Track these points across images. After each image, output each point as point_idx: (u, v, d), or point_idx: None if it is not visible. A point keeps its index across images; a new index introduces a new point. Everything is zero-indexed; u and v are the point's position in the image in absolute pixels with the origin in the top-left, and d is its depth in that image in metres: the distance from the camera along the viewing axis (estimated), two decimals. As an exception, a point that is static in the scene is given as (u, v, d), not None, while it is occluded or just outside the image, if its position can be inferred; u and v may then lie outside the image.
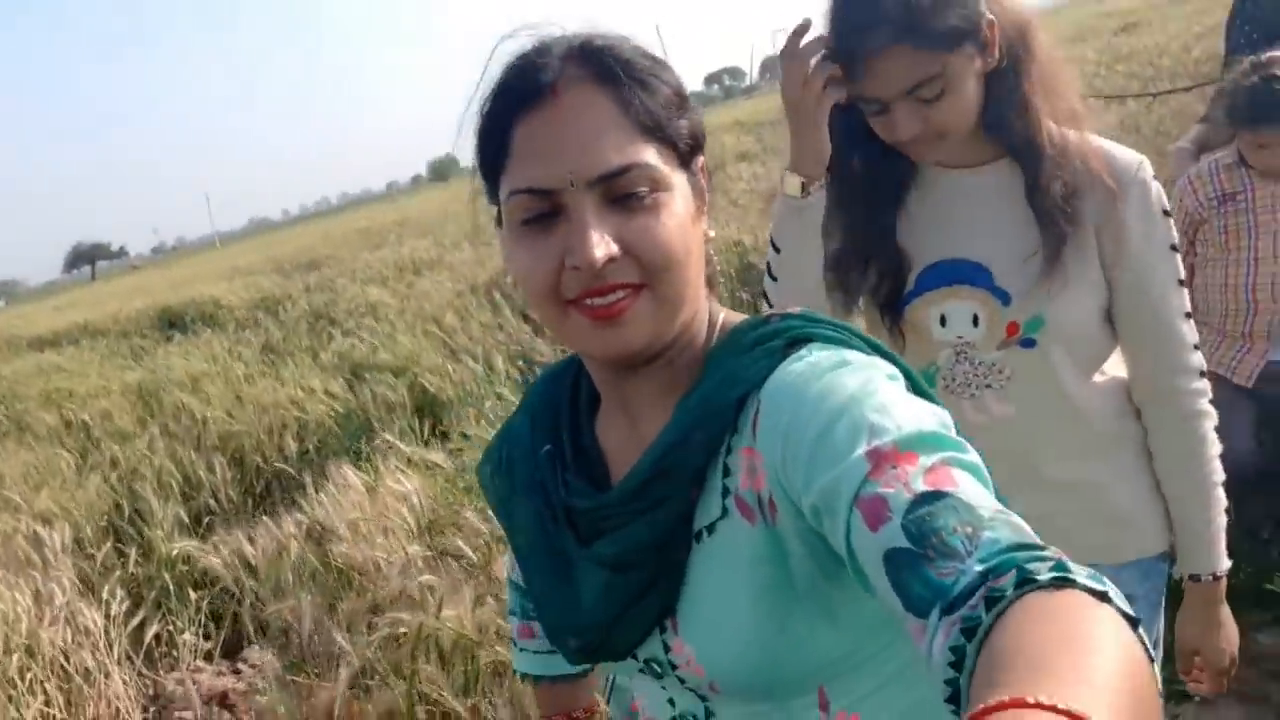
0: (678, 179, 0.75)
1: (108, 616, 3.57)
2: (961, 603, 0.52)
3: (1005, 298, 1.30)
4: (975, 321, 1.32)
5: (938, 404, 0.72)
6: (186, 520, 4.05)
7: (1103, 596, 0.49)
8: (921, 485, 0.59)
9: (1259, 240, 2.30)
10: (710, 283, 0.82)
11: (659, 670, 0.82)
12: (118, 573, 3.84)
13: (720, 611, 0.75)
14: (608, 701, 1.07)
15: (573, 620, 0.82)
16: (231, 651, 3.92)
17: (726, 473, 0.75)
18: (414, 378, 4.49)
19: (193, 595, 3.87)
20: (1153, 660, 0.48)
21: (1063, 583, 0.49)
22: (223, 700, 3.54)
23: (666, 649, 0.79)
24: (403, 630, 2.31)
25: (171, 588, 3.79)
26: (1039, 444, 1.33)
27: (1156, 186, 1.29)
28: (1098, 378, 1.35)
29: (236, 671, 3.77)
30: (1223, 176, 2.34)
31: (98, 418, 5.94)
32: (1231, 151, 2.37)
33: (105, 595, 3.63)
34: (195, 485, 4.34)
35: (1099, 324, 1.32)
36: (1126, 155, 1.29)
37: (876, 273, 1.33)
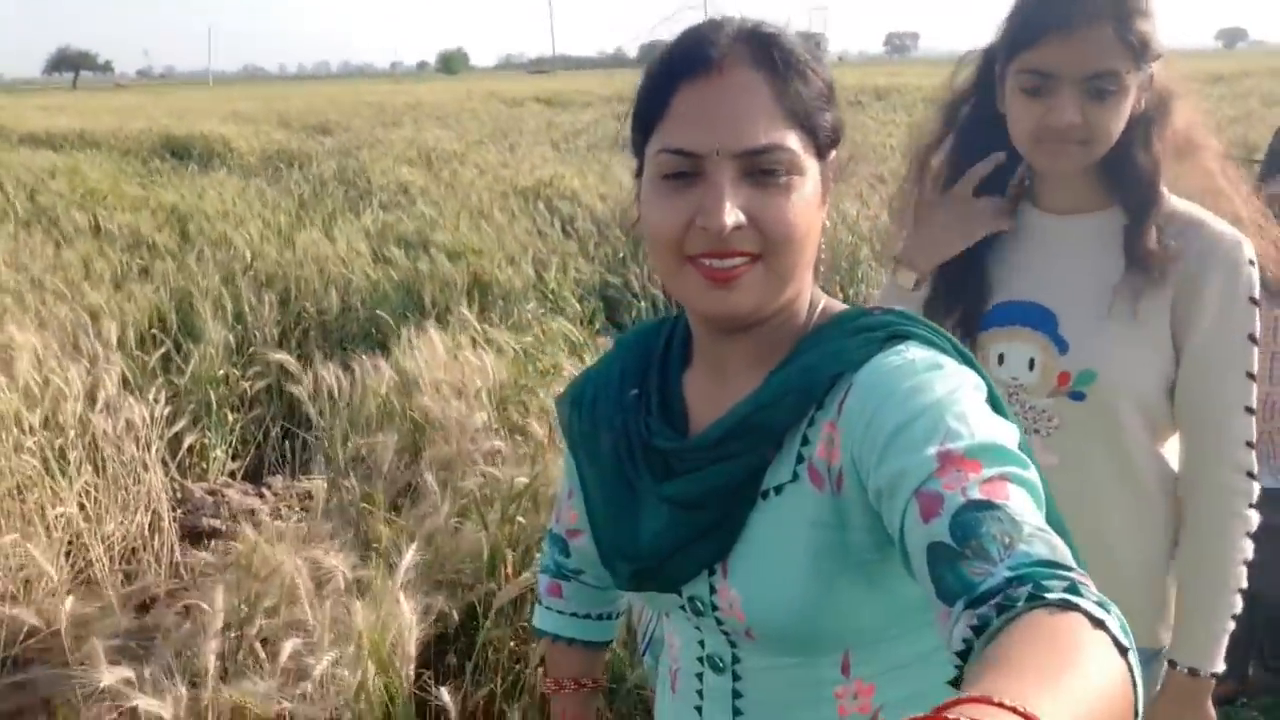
0: (811, 166, 0.80)
1: (151, 417, 3.72)
2: (983, 602, 0.57)
3: (1064, 346, 1.29)
4: (1031, 365, 1.31)
5: (1013, 420, 0.77)
6: (233, 345, 4.21)
7: (1100, 623, 0.52)
8: (977, 493, 0.64)
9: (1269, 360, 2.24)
10: (816, 269, 0.86)
11: (700, 609, 0.87)
12: (161, 379, 3.99)
13: (775, 565, 0.81)
14: (643, 654, 1.19)
15: (630, 548, 0.89)
16: (252, 476, 4.13)
17: (805, 441, 0.81)
18: (468, 264, 4.66)
19: (230, 417, 4.06)
20: (1137, 686, 0.51)
21: (1067, 604, 0.53)
22: (251, 517, 3.74)
23: (712, 590, 0.85)
24: (471, 486, 2.55)
25: (213, 405, 3.97)
26: (1079, 495, 1.26)
27: (1249, 271, 1.25)
28: (1154, 443, 1.32)
29: (260, 495, 3.99)
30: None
31: (127, 230, 6.00)
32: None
33: (151, 397, 3.78)
34: (237, 315, 4.49)
35: (1160, 393, 1.28)
36: (1224, 231, 1.26)
37: (959, 301, 1.35)
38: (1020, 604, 0.53)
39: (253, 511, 3.79)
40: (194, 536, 3.64)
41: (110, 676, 1.61)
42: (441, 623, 2.25)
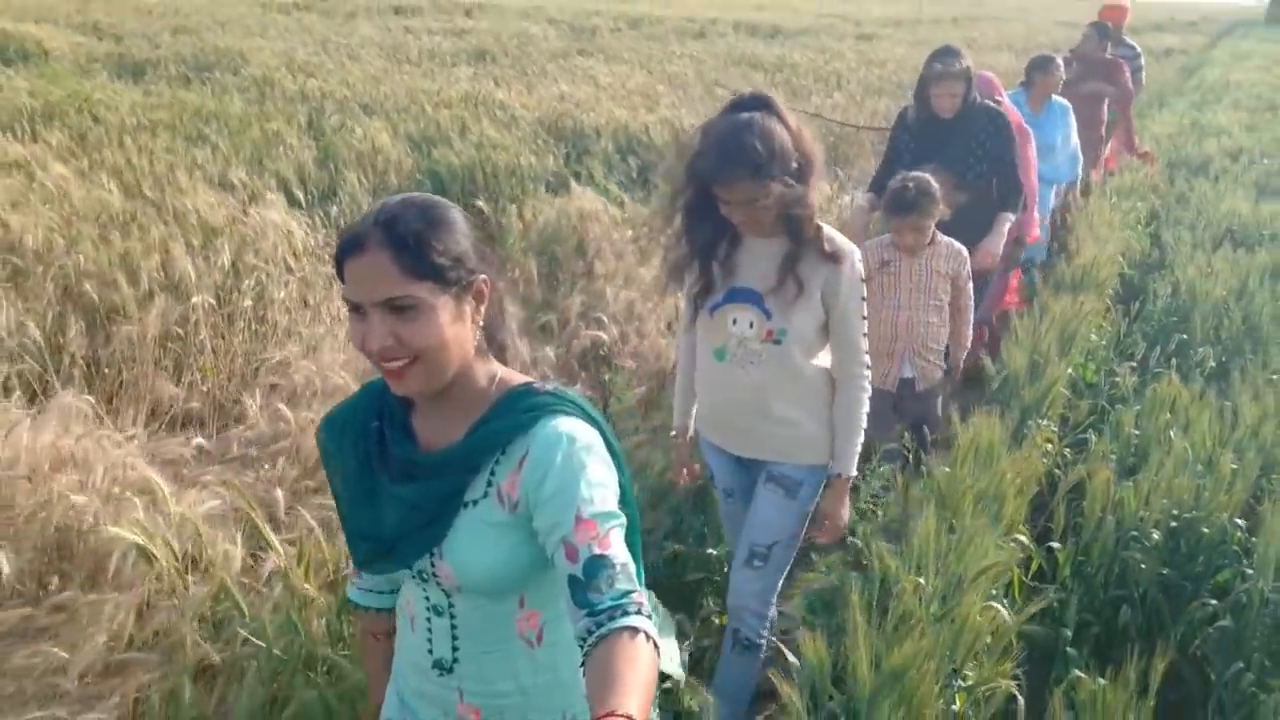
0: (438, 299, 1.20)
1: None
2: (594, 616, 1.10)
3: (768, 314, 2.16)
4: (751, 325, 2.18)
5: (614, 445, 1.30)
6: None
7: (641, 631, 1.07)
8: (596, 548, 1.14)
9: (901, 294, 3.23)
10: (492, 346, 1.33)
11: (425, 577, 1.31)
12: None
13: (473, 549, 1.26)
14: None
15: (373, 533, 1.31)
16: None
17: (493, 474, 1.26)
18: (493, 154, 6.74)
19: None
20: (658, 650, 1.08)
21: (632, 627, 1.07)
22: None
23: (432, 565, 1.29)
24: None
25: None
26: (774, 397, 2.21)
27: (860, 267, 2.18)
28: (813, 362, 2.22)
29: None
30: (884, 251, 3.26)
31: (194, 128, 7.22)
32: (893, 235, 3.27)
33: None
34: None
35: (816, 333, 2.20)
36: (847, 245, 2.17)
37: (709, 286, 2.22)
38: (609, 624, 1.09)
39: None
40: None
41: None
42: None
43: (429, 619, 1.35)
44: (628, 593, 1.12)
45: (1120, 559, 2.66)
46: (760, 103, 2.06)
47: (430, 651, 1.36)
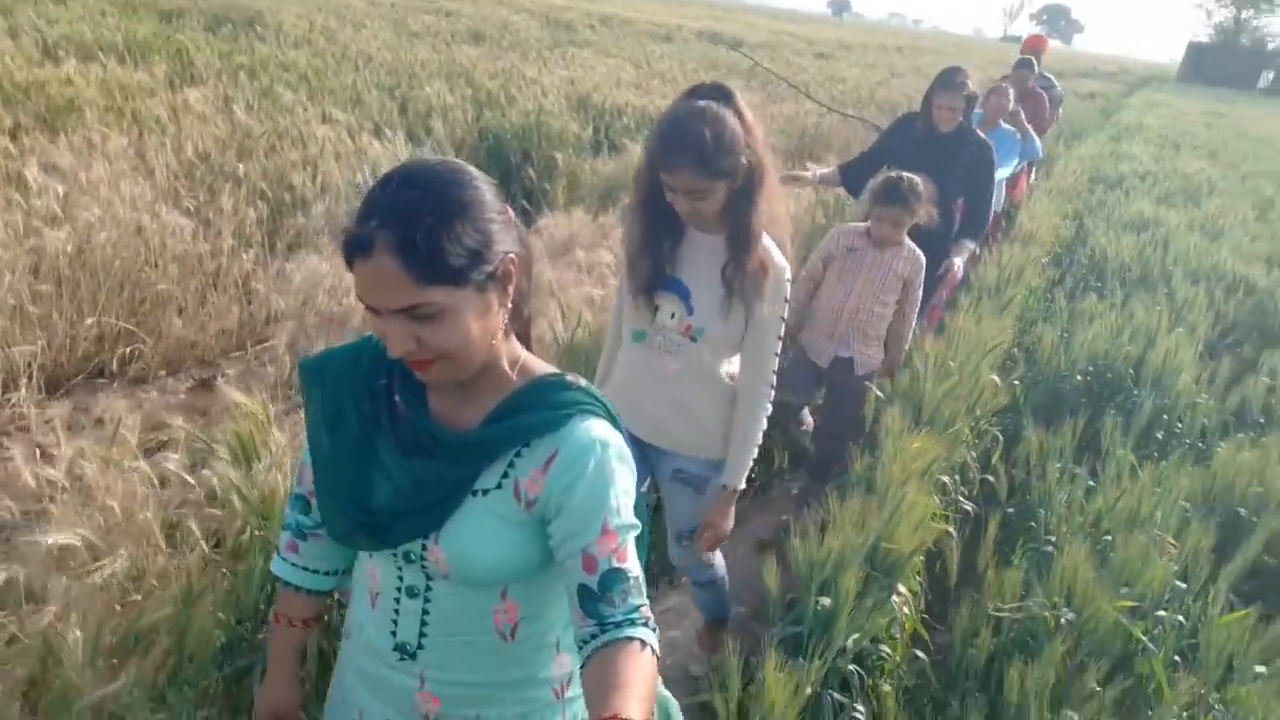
0: (459, 297, 1.08)
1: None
2: (602, 624, 1.10)
3: (691, 310, 2.17)
4: (672, 316, 2.19)
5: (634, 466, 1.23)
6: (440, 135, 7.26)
7: (648, 644, 1.08)
8: (615, 561, 1.12)
9: (857, 283, 3.38)
10: (516, 321, 1.22)
11: (410, 559, 1.20)
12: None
13: (477, 539, 1.17)
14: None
15: (364, 502, 1.19)
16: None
17: (512, 465, 1.17)
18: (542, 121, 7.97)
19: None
20: (656, 656, 1.08)
21: (641, 639, 1.08)
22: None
23: (424, 549, 1.19)
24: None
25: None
26: (685, 391, 2.25)
27: (787, 285, 2.13)
28: (724, 367, 2.25)
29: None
30: (855, 238, 3.42)
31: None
32: (869, 223, 3.41)
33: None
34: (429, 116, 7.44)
35: (734, 342, 2.19)
36: (780, 261, 2.13)
37: (649, 272, 2.16)
38: (616, 632, 1.10)
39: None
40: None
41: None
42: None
43: (398, 599, 1.25)
44: (638, 606, 1.13)
45: (1057, 390, 4.14)
46: (720, 92, 2.02)
47: (394, 634, 1.26)
